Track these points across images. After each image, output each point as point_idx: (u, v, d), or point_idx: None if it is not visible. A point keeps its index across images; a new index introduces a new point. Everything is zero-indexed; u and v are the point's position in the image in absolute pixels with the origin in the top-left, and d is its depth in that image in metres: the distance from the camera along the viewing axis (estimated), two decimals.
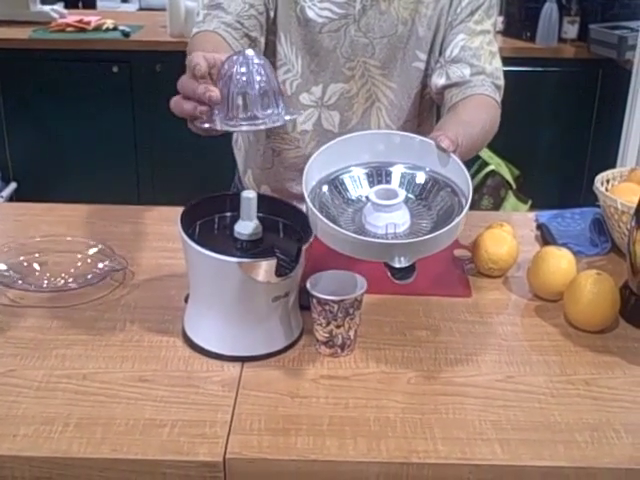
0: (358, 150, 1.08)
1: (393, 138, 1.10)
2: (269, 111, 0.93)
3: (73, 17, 3.42)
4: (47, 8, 3.48)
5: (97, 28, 3.34)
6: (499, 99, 1.36)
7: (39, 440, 0.91)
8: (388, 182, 1.07)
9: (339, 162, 1.08)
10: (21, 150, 3.42)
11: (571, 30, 3.36)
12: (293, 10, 1.36)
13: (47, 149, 3.44)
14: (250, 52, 0.94)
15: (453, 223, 0.96)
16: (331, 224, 0.95)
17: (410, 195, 1.06)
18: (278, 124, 0.95)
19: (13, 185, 3.43)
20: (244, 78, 0.91)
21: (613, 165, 3.07)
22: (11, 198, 3.38)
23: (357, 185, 1.07)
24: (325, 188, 1.05)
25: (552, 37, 3.34)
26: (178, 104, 0.94)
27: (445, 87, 1.37)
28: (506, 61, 1.41)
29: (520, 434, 0.94)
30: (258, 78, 0.92)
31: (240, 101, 0.91)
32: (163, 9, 3.37)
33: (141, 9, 4.28)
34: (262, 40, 1.34)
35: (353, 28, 1.36)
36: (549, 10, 3.32)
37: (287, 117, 0.96)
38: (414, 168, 1.08)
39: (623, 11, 3.33)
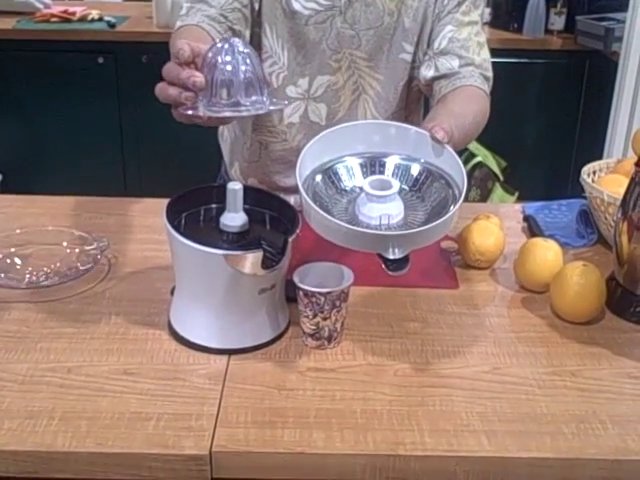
0: (352, 140, 1.08)
1: (388, 129, 1.10)
2: (253, 98, 0.92)
3: (58, 7, 3.39)
4: None
5: (82, 19, 3.31)
6: (488, 90, 1.36)
7: (23, 434, 0.90)
8: (382, 173, 1.06)
9: (333, 152, 1.07)
10: (6, 142, 3.40)
11: (558, 21, 3.36)
12: (279, 2, 1.35)
13: (32, 141, 3.42)
14: (236, 40, 0.93)
15: (448, 215, 0.95)
16: (325, 214, 0.94)
17: (404, 186, 1.05)
18: (262, 112, 0.94)
19: None
20: (229, 66, 0.90)
21: (600, 156, 3.08)
22: None
23: (351, 175, 1.06)
24: (319, 178, 1.05)
25: (539, 28, 3.34)
26: (163, 90, 0.93)
27: (434, 79, 1.36)
28: (493, 52, 1.41)
29: (507, 425, 0.94)
30: (243, 67, 0.91)
31: (224, 87, 0.90)
32: (149, 0, 3.34)
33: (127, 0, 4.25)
34: (247, 33, 1.34)
35: (339, 20, 1.36)
36: (536, 1, 3.32)
37: (272, 107, 0.96)
38: (408, 159, 1.07)
39: (610, 3, 3.33)
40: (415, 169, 1.06)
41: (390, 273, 0.95)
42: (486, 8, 3.46)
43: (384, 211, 0.98)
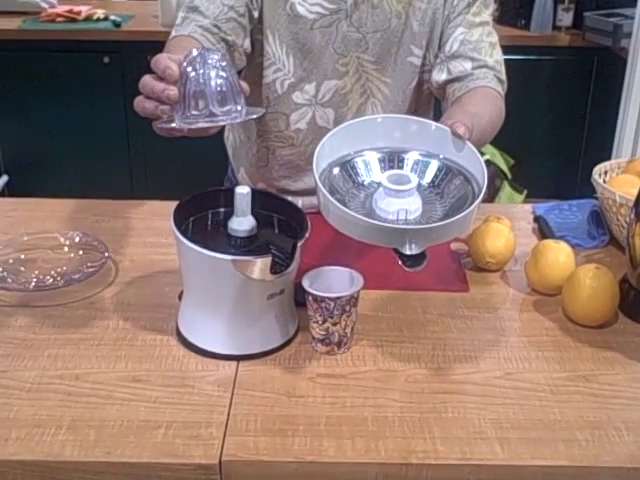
0: (371, 134, 1.06)
1: (408, 123, 1.09)
2: (227, 108, 0.91)
3: (63, 7, 3.38)
4: None
5: (88, 18, 3.31)
6: (503, 92, 1.34)
7: (31, 443, 0.90)
8: (401, 168, 1.05)
9: (351, 145, 1.06)
10: (12, 143, 3.39)
11: (566, 18, 3.33)
12: (282, 8, 1.32)
13: (38, 141, 3.41)
14: (208, 50, 0.92)
15: (467, 210, 0.94)
16: (343, 207, 0.93)
17: (423, 182, 1.04)
18: (238, 120, 0.93)
19: (4, 178, 3.41)
20: (200, 77, 0.89)
21: (609, 153, 3.06)
22: (2, 191, 3.36)
23: (369, 169, 1.05)
24: (336, 170, 1.03)
25: (547, 25, 3.31)
26: (140, 103, 0.93)
27: (447, 82, 1.35)
28: (500, 49, 1.39)
29: (520, 433, 0.93)
30: (215, 77, 0.90)
31: (197, 99, 0.89)
32: None
33: None
34: (244, 42, 1.31)
35: (345, 23, 1.34)
36: None
37: (248, 116, 0.94)
38: (428, 155, 1.06)
39: None
40: (434, 165, 1.05)
41: (406, 269, 0.94)
42: (493, 4, 3.44)
43: (402, 206, 0.96)
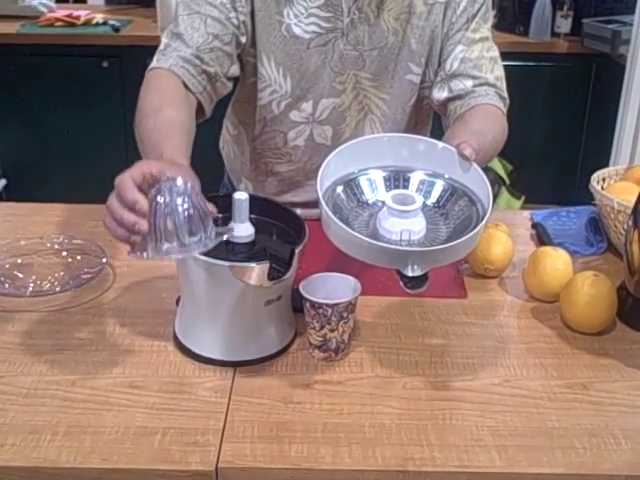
0: (377, 153, 1.06)
1: (415, 143, 1.08)
2: (197, 237, 0.90)
3: (62, 11, 3.38)
4: (36, 2, 3.44)
5: (87, 22, 3.30)
6: (504, 110, 1.33)
7: (27, 449, 0.89)
8: (406, 187, 1.04)
9: (356, 164, 1.05)
10: (10, 147, 3.39)
11: (564, 24, 3.34)
12: (278, 30, 1.31)
13: (37, 145, 3.41)
14: (172, 179, 0.90)
15: (471, 233, 0.93)
16: (346, 227, 0.92)
17: (428, 203, 1.03)
18: (210, 247, 0.92)
19: (3, 182, 3.40)
20: (169, 209, 0.88)
21: (607, 160, 3.06)
22: (0, 195, 3.35)
23: (374, 189, 1.04)
24: (340, 189, 1.02)
25: (545, 31, 3.32)
26: (111, 227, 0.90)
27: (448, 100, 1.33)
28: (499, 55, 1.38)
29: (518, 440, 0.93)
30: (180, 204, 0.89)
31: (167, 232, 0.89)
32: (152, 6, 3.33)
33: None
34: (229, 70, 1.29)
35: (342, 42, 1.32)
36: (542, 4, 3.30)
37: (217, 239, 0.93)
38: (433, 175, 1.05)
39: (617, 5, 3.31)
40: (439, 186, 1.04)
41: (408, 291, 0.94)
42: (491, 11, 3.44)
43: (406, 227, 0.96)
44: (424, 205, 1.01)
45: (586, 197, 1.45)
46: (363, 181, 1.05)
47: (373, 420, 0.95)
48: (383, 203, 0.99)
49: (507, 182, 3.17)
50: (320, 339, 1.05)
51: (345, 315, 1.04)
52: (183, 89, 1.23)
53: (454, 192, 1.04)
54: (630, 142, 3.00)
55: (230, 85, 1.32)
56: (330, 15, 1.30)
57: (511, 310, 1.21)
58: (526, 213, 1.56)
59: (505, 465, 0.89)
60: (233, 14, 1.27)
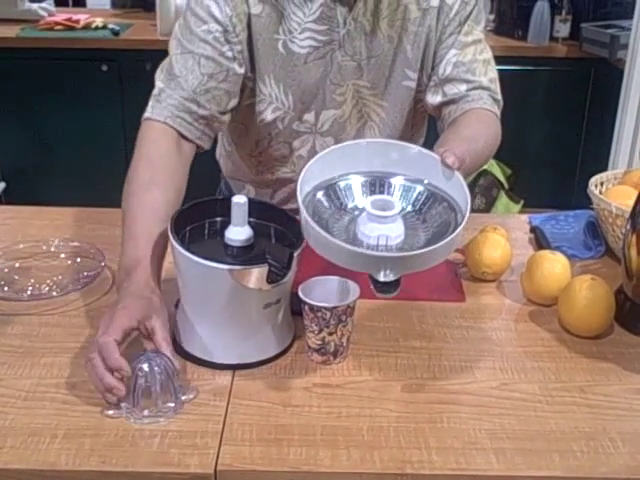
0: (357, 158, 1.06)
1: (393, 148, 1.08)
2: (170, 404, 0.96)
3: (62, 15, 3.39)
4: (35, 6, 3.46)
5: (86, 26, 3.32)
6: (498, 112, 1.33)
7: (27, 452, 0.89)
8: (386, 193, 1.04)
9: (337, 169, 1.05)
10: (10, 150, 3.39)
11: (563, 29, 3.35)
12: (275, 48, 1.30)
13: (36, 149, 3.41)
14: (155, 352, 0.98)
15: (445, 241, 0.93)
16: (321, 231, 0.93)
17: (407, 208, 1.03)
18: (178, 412, 0.97)
19: (2, 185, 3.41)
20: (147, 379, 0.95)
21: (605, 164, 3.07)
22: (0, 198, 3.36)
23: (354, 194, 1.04)
24: (320, 194, 1.03)
25: (544, 36, 3.33)
26: (92, 376, 0.97)
27: (442, 104, 1.33)
28: (497, 60, 1.39)
29: (515, 443, 0.93)
30: (158, 369, 0.96)
31: (142, 398, 0.95)
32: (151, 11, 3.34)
33: None
34: (227, 105, 1.29)
35: (339, 53, 1.32)
36: (541, 9, 3.31)
37: (185, 404, 0.98)
38: (413, 181, 1.05)
39: (615, 9, 3.32)
40: (419, 191, 1.04)
41: (377, 295, 0.94)
42: (490, 15, 3.45)
43: (383, 232, 0.96)
44: (403, 210, 1.01)
45: (585, 201, 1.45)
46: (343, 186, 1.04)
47: (371, 423, 0.96)
48: (363, 208, 0.99)
49: (506, 186, 3.17)
50: (319, 342, 1.05)
51: (344, 318, 1.04)
52: (175, 149, 1.23)
53: (432, 197, 1.03)
54: (628, 146, 3.00)
55: (228, 118, 1.32)
56: (326, 28, 1.30)
57: (509, 314, 1.22)
58: (524, 217, 1.57)
59: (503, 468, 0.89)
60: (226, 47, 1.26)
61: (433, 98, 1.34)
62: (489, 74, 1.33)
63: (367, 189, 1.04)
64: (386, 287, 0.93)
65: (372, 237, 0.96)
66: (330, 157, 1.04)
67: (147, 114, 1.25)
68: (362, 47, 1.32)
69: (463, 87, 1.31)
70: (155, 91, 1.27)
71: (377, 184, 1.05)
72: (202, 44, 1.25)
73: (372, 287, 0.94)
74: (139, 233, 1.11)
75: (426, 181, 1.05)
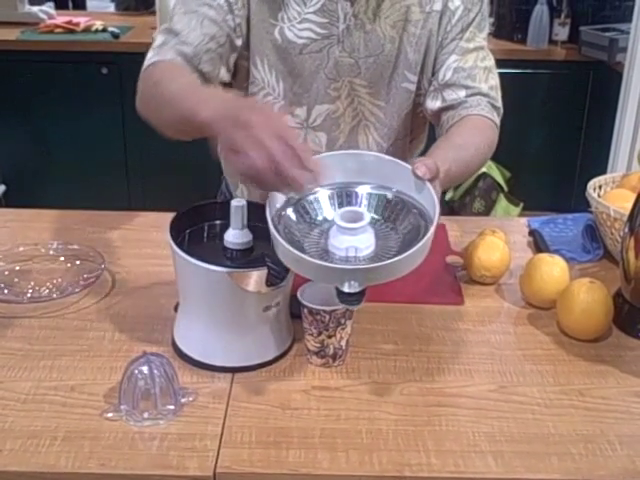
0: (327, 171, 1.03)
1: (364, 158, 1.07)
2: (170, 406, 0.97)
3: (62, 18, 3.40)
4: (35, 9, 3.46)
5: (86, 29, 3.32)
6: (497, 120, 1.32)
7: (26, 454, 0.90)
8: (355, 204, 1.03)
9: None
10: (10, 153, 3.39)
11: (562, 32, 3.35)
12: (270, 33, 1.30)
13: (36, 151, 3.41)
14: (154, 354, 0.98)
15: (408, 253, 0.91)
16: (288, 245, 0.92)
17: (376, 216, 1.02)
18: (177, 415, 0.97)
19: (2, 188, 3.41)
20: (146, 381, 0.96)
21: (604, 167, 3.07)
22: (0, 201, 3.36)
23: (324, 207, 1.03)
24: (290, 210, 1.01)
25: (543, 39, 3.33)
26: (265, 165, 0.89)
27: (441, 110, 1.33)
28: (497, 63, 1.38)
29: (514, 446, 0.93)
30: (157, 372, 0.96)
31: (143, 401, 0.95)
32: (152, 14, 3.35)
33: None
34: (219, 72, 1.29)
35: (337, 48, 1.32)
36: (540, 12, 3.31)
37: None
38: (381, 188, 1.03)
39: (614, 13, 3.33)
40: (387, 198, 1.03)
41: (342, 305, 0.94)
42: (489, 18, 3.45)
43: (352, 243, 0.95)
44: (373, 219, 1.00)
45: (584, 203, 1.45)
46: (313, 200, 1.03)
47: (370, 426, 0.96)
48: (333, 220, 0.98)
49: (505, 189, 3.18)
50: (318, 345, 1.06)
51: (342, 321, 1.04)
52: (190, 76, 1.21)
53: (401, 204, 1.02)
54: (627, 149, 3.01)
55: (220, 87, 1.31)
56: (326, 21, 1.30)
57: (508, 317, 1.22)
58: (523, 220, 1.57)
59: (501, 471, 0.90)
60: (230, 16, 1.27)
61: (433, 103, 1.34)
62: (490, 81, 1.33)
63: (335, 201, 1.03)
64: (351, 298, 0.92)
65: (341, 249, 0.95)
66: None
67: (148, 62, 1.23)
68: (361, 44, 1.32)
69: (462, 93, 1.31)
70: (156, 43, 1.25)
71: (344, 195, 1.03)
72: (206, 7, 1.25)
73: (337, 299, 0.93)
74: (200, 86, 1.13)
75: (394, 189, 1.03)
